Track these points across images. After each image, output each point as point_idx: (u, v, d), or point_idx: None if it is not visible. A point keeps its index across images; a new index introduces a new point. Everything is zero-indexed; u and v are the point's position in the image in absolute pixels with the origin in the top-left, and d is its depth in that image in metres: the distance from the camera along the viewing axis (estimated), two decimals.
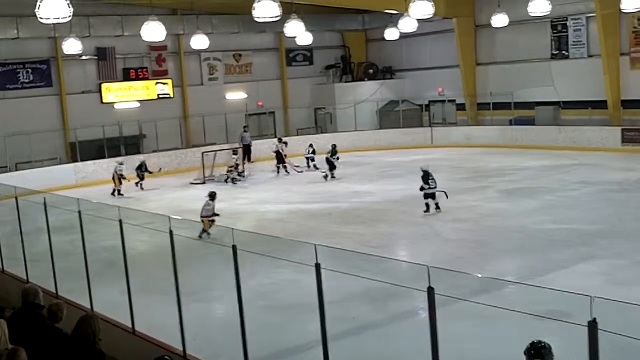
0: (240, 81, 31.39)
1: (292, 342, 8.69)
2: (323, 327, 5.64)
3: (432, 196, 15.85)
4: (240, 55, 31.51)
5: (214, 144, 27.19)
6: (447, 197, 15.79)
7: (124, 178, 21.95)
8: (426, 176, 15.95)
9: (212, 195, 15.16)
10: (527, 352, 4.46)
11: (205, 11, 27.97)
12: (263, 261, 9.36)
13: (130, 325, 7.90)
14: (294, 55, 33.05)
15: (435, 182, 15.96)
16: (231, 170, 22.87)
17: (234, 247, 6.25)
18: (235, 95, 31.18)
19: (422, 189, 15.86)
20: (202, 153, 23.91)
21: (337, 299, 8.15)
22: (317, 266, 5.51)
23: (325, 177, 22.03)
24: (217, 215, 14.79)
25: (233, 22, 28.77)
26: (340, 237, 13.90)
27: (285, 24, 20.72)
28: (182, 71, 29.80)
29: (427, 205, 15.76)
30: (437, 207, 15.79)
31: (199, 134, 28.91)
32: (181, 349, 7.07)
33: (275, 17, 15.86)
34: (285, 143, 24.92)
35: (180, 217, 9.77)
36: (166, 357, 4.98)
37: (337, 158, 22.53)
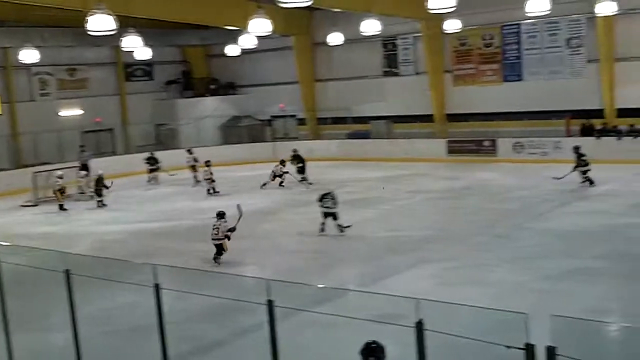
0: (75, 97, 30.02)
1: None
2: (164, 349, 5.57)
3: (333, 216, 14.81)
4: (74, 69, 30.15)
5: (48, 163, 25.71)
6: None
7: (63, 192, 21.10)
8: (322, 197, 14.91)
9: (222, 214, 13.32)
10: (362, 352, 4.68)
11: (35, 23, 26.44)
12: (102, 285, 9.04)
13: None
14: (132, 70, 32.17)
15: (332, 202, 14.86)
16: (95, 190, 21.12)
17: (66, 272, 6.00)
18: (70, 111, 29.74)
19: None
20: (34, 173, 22.53)
21: (180, 319, 8.04)
22: (157, 286, 5.44)
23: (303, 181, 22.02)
24: (233, 230, 13.11)
25: (66, 35, 27.30)
26: (184, 256, 13.68)
27: (122, 38, 20.15)
28: (11, 86, 27.97)
29: (322, 224, 14.84)
30: (340, 229, 14.73)
31: (31, 153, 27.23)
32: None
33: (111, 30, 15.36)
34: (283, 163, 22.98)
35: (8, 243, 9.17)
36: None
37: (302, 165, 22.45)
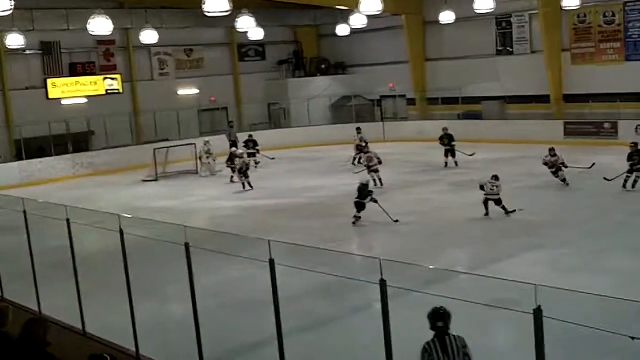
0: (191, 76, 31.07)
1: (248, 339, 8.68)
2: (278, 323, 5.69)
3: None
4: (191, 50, 31.21)
5: (166, 139, 26.85)
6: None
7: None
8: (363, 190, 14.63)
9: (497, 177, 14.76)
10: (430, 315, 5.30)
11: (154, 5, 27.56)
12: (217, 258, 9.37)
13: (80, 327, 7.79)
14: (245, 50, 32.90)
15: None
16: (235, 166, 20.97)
17: (186, 245, 6.23)
18: (187, 90, 30.87)
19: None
20: (154, 149, 23.59)
21: (292, 295, 8.19)
22: (271, 262, 5.55)
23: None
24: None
25: (183, 17, 28.35)
26: (295, 232, 13.94)
27: (237, 19, 20.65)
28: (132, 66, 29.34)
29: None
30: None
31: (150, 130, 28.50)
32: (134, 349, 7.02)
33: (226, 11, 15.78)
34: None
35: (130, 215, 9.66)
36: (105, 355, 4.85)
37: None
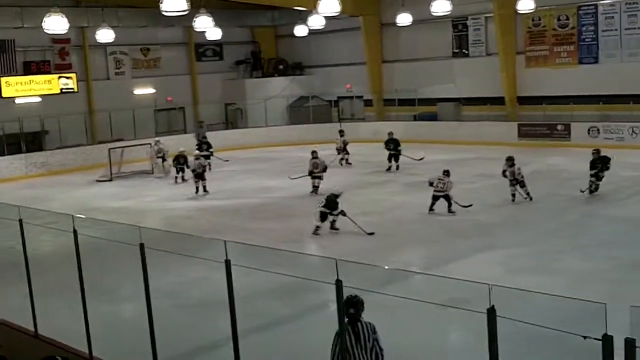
0: (148, 76, 30.71)
1: (203, 340, 8.64)
2: (233, 324, 5.67)
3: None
4: (148, 49, 30.85)
5: (122, 139, 26.51)
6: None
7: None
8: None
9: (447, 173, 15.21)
10: (343, 303, 5.24)
11: (110, 4, 27.16)
12: (173, 259, 9.28)
13: (33, 329, 7.64)
14: (203, 50, 32.68)
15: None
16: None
17: (141, 246, 6.16)
18: (144, 90, 30.49)
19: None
20: (109, 149, 23.25)
21: (248, 295, 8.18)
22: (227, 262, 5.52)
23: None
24: None
25: (140, 16, 28.05)
26: (251, 233, 13.90)
27: (194, 19, 20.46)
28: (87, 65, 28.85)
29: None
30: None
31: (106, 130, 28.09)
32: (87, 351, 6.91)
33: (184, 11, 15.67)
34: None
35: (84, 216, 9.51)
36: (57, 357, 4.75)
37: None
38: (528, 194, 15.86)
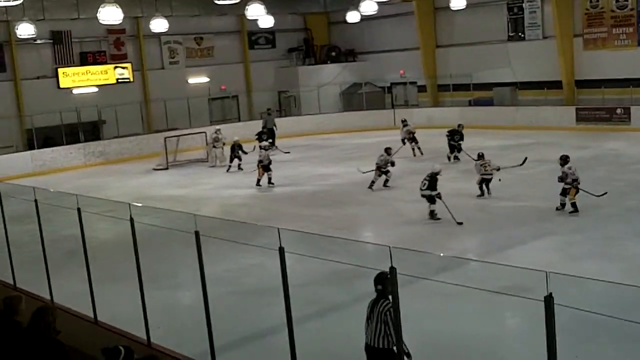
0: (202, 65, 31.07)
1: (259, 327, 8.71)
2: (288, 311, 5.68)
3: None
4: (201, 38, 31.18)
5: (177, 129, 26.92)
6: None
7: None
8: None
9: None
10: (374, 278, 5.77)
11: None
12: (228, 246, 9.39)
13: (92, 316, 7.83)
14: (256, 39, 32.83)
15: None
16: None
17: (196, 233, 6.24)
18: (198, 79, 30.87)
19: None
20: (165, 138, 23.62)
21: (302, 282, 8.21)
22: (281, 250, 5.53)
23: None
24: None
25: (193, 5, 28.25)
26: (306, 220, 13.95)
27: (247, 7, 20.57)
28: (142, 55, 29.36)
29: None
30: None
31: (161, 119, 28.56)
32: (145, 337, 7.04)
33: None
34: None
35: (141, 204, 9.70)
36: (120, 346, 4.79)
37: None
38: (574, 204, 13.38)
